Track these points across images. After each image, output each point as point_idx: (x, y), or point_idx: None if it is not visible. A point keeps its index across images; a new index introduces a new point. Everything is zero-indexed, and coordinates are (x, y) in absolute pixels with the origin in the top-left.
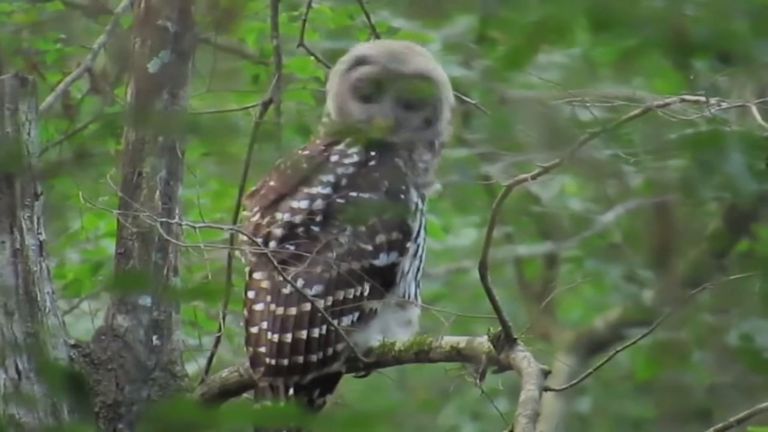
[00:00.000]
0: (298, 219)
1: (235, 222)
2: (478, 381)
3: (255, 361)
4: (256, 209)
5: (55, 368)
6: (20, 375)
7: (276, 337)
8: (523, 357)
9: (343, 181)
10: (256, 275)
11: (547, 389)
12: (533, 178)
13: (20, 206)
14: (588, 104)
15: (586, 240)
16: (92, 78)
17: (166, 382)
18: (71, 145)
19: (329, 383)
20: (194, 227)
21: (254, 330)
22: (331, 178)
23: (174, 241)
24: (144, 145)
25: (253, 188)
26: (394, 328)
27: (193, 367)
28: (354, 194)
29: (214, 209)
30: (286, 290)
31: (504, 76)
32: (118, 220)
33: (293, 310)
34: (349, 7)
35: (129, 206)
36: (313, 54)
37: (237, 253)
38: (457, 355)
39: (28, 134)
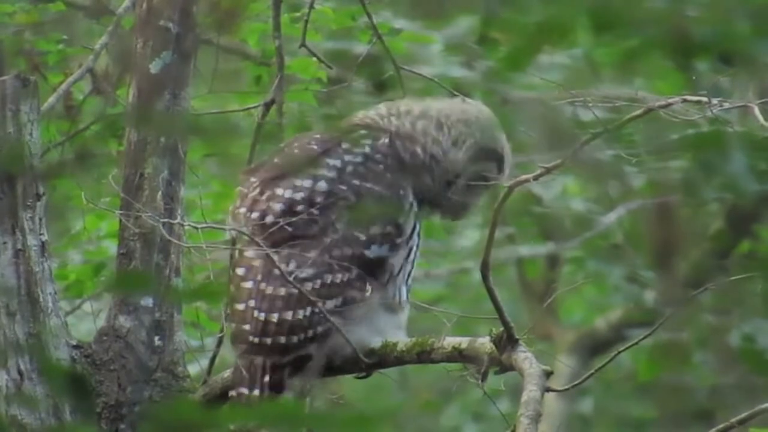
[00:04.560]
0: (299, 197)
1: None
2: (480, 382)
3: (237, 338)
4: (255, 183)
5: (57, 369)
6: (22, 376)
7: (263, 316)
8: (524, 358)
9: (349, 168)
10: (248, 253)
11: (548, 390)
12: (535, 178)
13: (22, 207)
14: (590, 105)
15: (588, 241)
16: (94, 79)
17: (168, 382)
18: (73, 145)
19: (302, 363)
20: (196, 228)
21: (240, 307)
22: (337, 163)
23: (176, 241)
24: (146, 145)
25: (252, 165)
26: (390, 331)
27: (195, 368)
28: (357, 183)
29: (216, 210)
30: (277, 271)
31: (506, 76)
32: (120, 221)
33: (282, 291)
34: (351, 8)
35: (131, 207)
36: (315, 55)
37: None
38: (459, 355)
39: (30, 135)
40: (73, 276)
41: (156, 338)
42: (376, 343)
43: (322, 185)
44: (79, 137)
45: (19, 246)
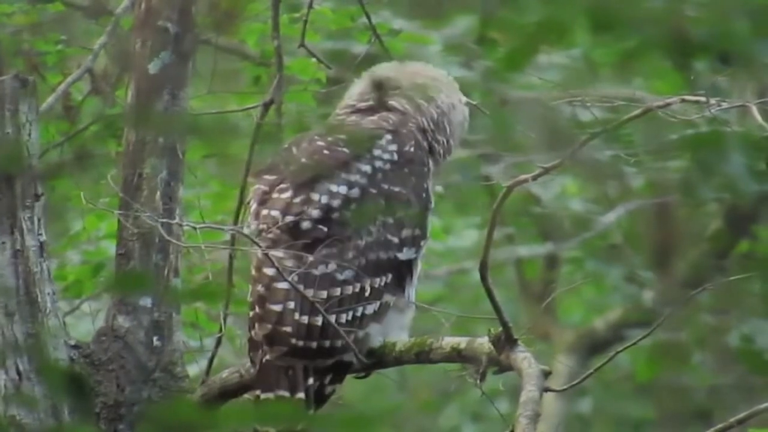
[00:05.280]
0: (336, 203)
1: (236, 223)
2: (478, 382)
3: (275, 339)
4: (284, 185)
5: (55, 369)
6: (21, 376)
7: (306, 319)
8: (523, 358)
9: (379, 175)
10: (278, 253)
11: (547, 390)
12: (534, 178)
13: (21, 207)
14: (588, 105)
15: (587, 241)
16: (93, 79)
17: (167, 383)
18: (72, 146)
19: (341, 372)
20: (195, 228)
21: (276, 308)
22: (368, 168)
23: (175, 242)
24: (145, 146)
25: (262, 167)
26: (395, 331)
27: (193, 369)
28: (386, 186)
29: (215, 210)
30: (317, 272)
31: (504, 76)
32: (118, 221)
33: (324, 294)
34: (350, 9)
35: (130, 207)
36: (314, 55)
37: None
38: (457, 356)
39: (29, 135)
40: (71, 276)
41: (155, 338)
42: (375, 343)
43: (356, 192)
44: (77, 137)
45: (18, 246)
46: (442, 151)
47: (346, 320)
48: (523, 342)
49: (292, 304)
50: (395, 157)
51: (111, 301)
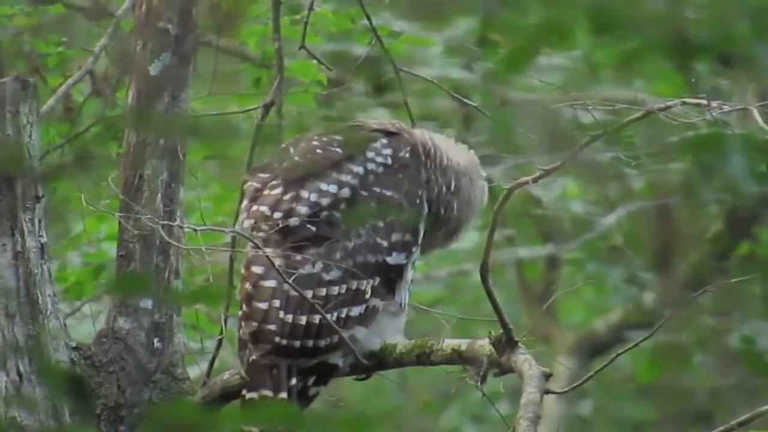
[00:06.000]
0: (325, 202)
1: (236, 224)
2: (479, 384)
3: (259, 338)
4: (275, 182)
5: (56, 371)
6: (21, 377)
7: (290, 318)
8: (524, 359)
9: (371, 177)
10: (266, 251)
11: (548, 392)
12: (534, 180)
13: (21, 209)
14: (589, 107)
15: (588, 242)
16: (94, 81)
17: (167, 384)
18: (73, 147)
19: (326, 373)
20: (196, 230)
21: (262, 306)
22: (360, 170)
23: (175, 243)
24: (145, 147)
25: (255, 167)
26: (390, 335)
27: (194, 370)
28: (378, 190)
29: (216, 212)
30: (304, 271)
31: (505, 78)
32: (119, 223)
33: (310, 293)
34: (350, 10)
35: (130, 209)
36: (314, 56)
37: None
38: (458, 357)
39: (30, 137)
40: (72, 278)
41: (155, 340)
42: (375, 345)
43: (346, 192)
44: (78, 139)
45: (19, 248)
46: (437, 190)
47: (333, 320)
48: (523, 344)
49: (277, 303)
50: (389, 161)
51: (112, 302)
